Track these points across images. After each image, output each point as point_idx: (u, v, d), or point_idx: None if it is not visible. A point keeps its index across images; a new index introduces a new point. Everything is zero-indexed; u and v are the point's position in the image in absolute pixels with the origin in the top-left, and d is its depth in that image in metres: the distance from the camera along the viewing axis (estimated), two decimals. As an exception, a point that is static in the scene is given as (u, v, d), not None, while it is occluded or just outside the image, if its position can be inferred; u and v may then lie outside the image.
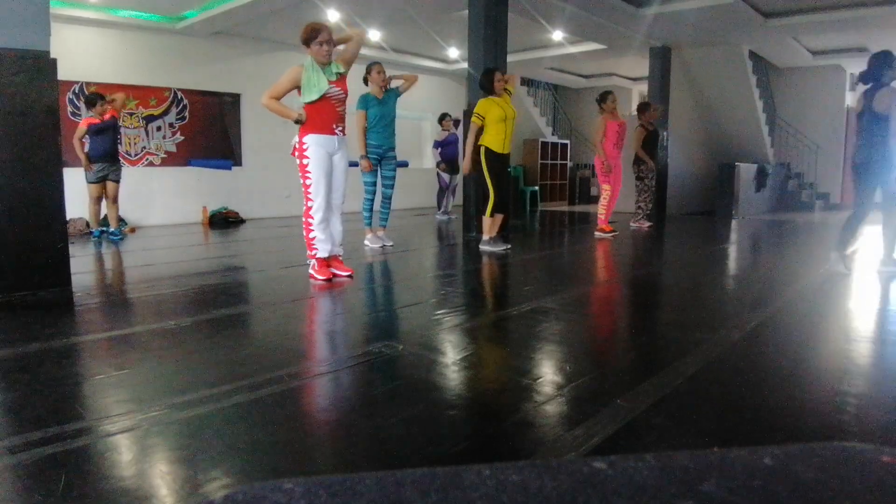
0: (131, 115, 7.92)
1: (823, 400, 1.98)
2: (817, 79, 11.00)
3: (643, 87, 11.55)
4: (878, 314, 3.35)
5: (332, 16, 7.50)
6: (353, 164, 4.85)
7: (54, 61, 3.67)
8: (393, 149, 5.72)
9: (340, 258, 4.23)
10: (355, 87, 5.16)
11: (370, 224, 5.86)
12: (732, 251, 6.09)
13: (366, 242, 5.83)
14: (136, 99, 7.98)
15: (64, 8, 7.00)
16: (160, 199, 8.26)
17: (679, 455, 0.36)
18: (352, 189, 4.27)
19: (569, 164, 12.90)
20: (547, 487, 0.33)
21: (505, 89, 5.40)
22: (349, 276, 4.15)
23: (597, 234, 6.81)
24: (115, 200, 6.52)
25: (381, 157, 5.65)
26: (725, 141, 10.60)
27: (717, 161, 9.91)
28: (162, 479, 1.48)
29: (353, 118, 5.29)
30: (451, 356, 2.52)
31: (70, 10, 7.10)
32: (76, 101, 7.37)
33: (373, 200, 5.77)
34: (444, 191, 9.20)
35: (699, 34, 8.50)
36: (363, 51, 9.81)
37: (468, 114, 6.19)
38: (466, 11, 6.53)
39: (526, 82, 12.54)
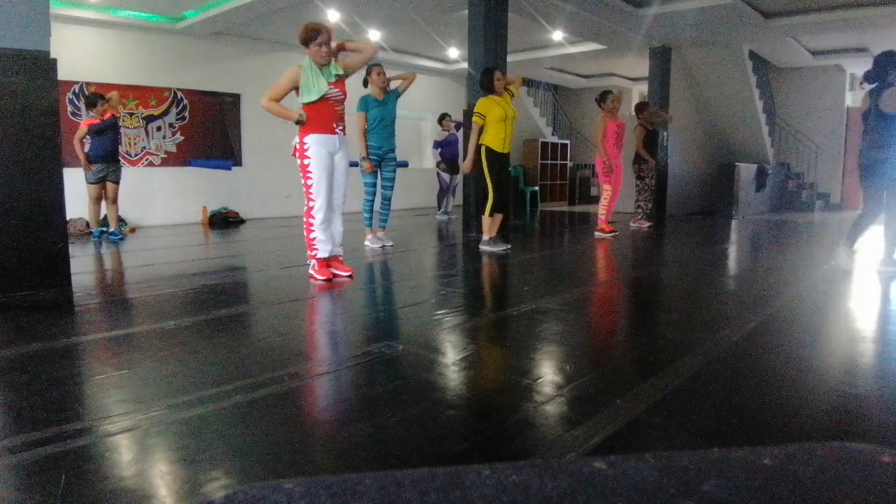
0: (131, 115, 7.92)
1: (823, 400, 1.98)
2: (817, 79, 11.00)
3: (643, 87, 11.55)
4: (879, 314, 3.35)
5: (332, 16, 7.50)
6: (354, 165, 4.85)
7: (54, 61, 3.67)
8: (393, 150, 5.72)
9: (340, 258, 4.23)
10: (356, 88, 5.17)
11: (370, 225, 5.86)
12: (732, 251, 6.09)
13: (366, 243, 5.83)
14: (136, 99, 7.99)
15: (64, 8, 7.00)
16: (160, 199, 8.26)
17: (679, 455, 0.36)
18: (352, 189, 4.27)
19: (569, 164, 12.90)
20: (547, 487, 0.33)
21: (507, 89, 5.40)
22: (349, 277, 4.15)
23: (597, 234, 6.82)
24: (114, 201, 6.52)
25: (381, 158, 5.65)
26: (725, 141, 10.60)
27: (717, 161, 9.91)
28: (162, 479, 1.48)
29: (353, 119, 5.29)
30: (451, 356, 2.52)
31: (70, 10, 7.10)
32: (76, 101, 7.37)
33: (373, 201, 5.77)
34: (444, 191, 9.20)
35: (699, 34, 8.50)
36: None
37: (468, 114, 6.19)
38: (466, 11, 6.53)
39: (526, 82, 12.54)
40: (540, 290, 3.93)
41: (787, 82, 11.28)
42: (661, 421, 1.79)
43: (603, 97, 6.83)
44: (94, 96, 6.39)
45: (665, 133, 9.38)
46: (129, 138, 7.98)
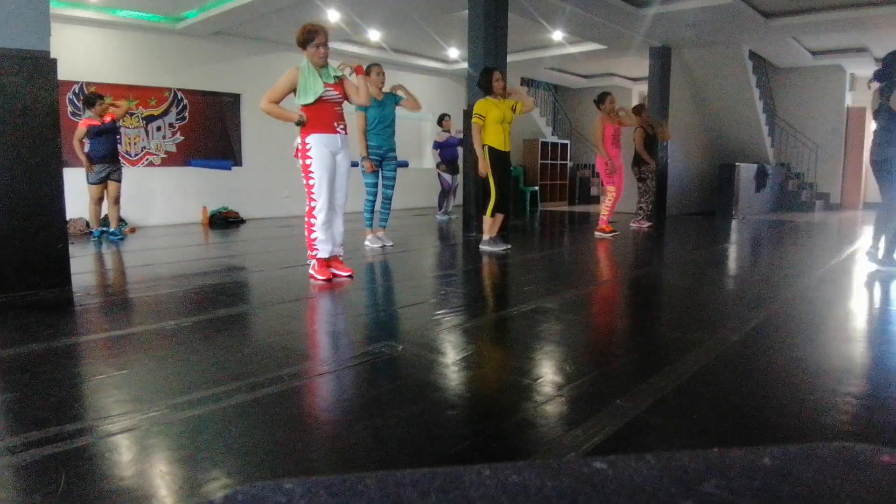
0: (131, 115, 7.92)
1: (823, 400, 1.98)
2: (817, 79, 10.99)
3: (643, 87, 11.54)
4: (878, 314, 3.35)
5: (332, 16, 7.50)
6: (355, 165, 4.85)
7: (54, 61, 3.67)
8: (393, 150, 5.72)
9: (341, 258, 4.23)
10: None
11: (371, 225, 5.86)
12: (732, 251, 6.09)
13: (366, 243, 5.83)
14: (136, 99, 7.99)
15: (64, 8, 7.00)
16: (160, 199, 8.26)
17: (679, 455, 0.36)
18: (352, 189, 4.27)
19: (569, 164, 12.89)
20: (547, 487, 0.33)
21: (514, 104, 5.37)
22: (349, 277, 4.15)
23: (597, 234, 6.82)
24: (116, 201, 6.51)
25: (381, 158, 5.65)
26: (725, 141, 10.60)
27: (717, 161, 9.91)
28: (162, 479, 1.48)
29: (353, 119, 5.29)
30: (451, 356, 2.52)
31: (70, 10, 7.10)
32: (76, 101, 7.37)
33: (374, 201, 5.77)
34: (445, 192, 9.20)
35: (699, 34, 8.50)
36: (363, 51, 9.79)
37: (468, 114, 6.18)
38: (466, 11, 6.53)
39: (526, 82, 12.54)
40: (540, 290, 3.93)
41: (787, 82, 11.27)
42: (661, 421, 1.79)
43: (601, 98, 6.84)
44: (93, 96, 6.39)
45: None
46: (129, 138, 7.98)
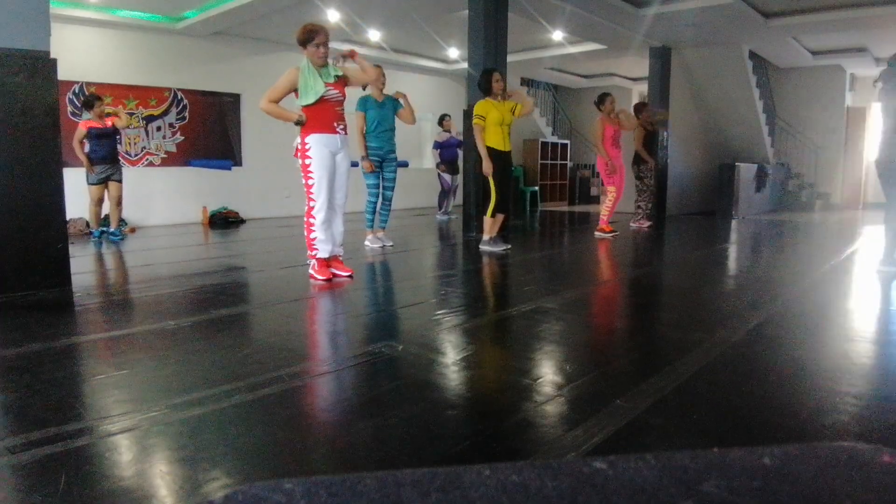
0: (131, 115, 7.92)
1: (823, 400, 1.98)
2: (817, 79, 11.00)
3: (643, 87, 11.54)
4: (878, 314, 3.35)
5: (332, 16, 7.50)
6: (355, 165, 4.85)
7: (54, 61, 3.67)
8: (393, 151, 5.72)
9: (340, 258, 4.23)
10: (356, 89, 5.16)
11: (372, 226, 5.86)
12: (732, 251, 6.09)
13: (366, 243, 5.83)
14: (136, 99, 7.99)
15: (64, 8, 7.00)
16: (160, 199, 8.26)
17: (679, 455, 0.36)
18: (352, 189, 4.27)
19: (569, 164, 12.89)
20: (547, 487, 0.33)
21: (514, 106, 5.36)
22: (349, 277, 4.15)
23: (597, 234, 6.82)
24: (119, 202, 6.51)
25: (382, 159, 5.65)
26: (725, 141, 10.60)
27: (717, 161, 9.91)
28: (162, 479, 1.48)
29: (352, 119, 5.29)
30: (451, 356, 2.52)
31: (70, 10, 7.10)
32: (76, 101, 7.37)
33: (376, 202, 5.77)
34: (445, 192, 9.20)
35: (699, 34, 8.50)
36: (363, 51, 9.82)
37: (468, 114, 6.18)
38: (466, 11, 6.53)
39: (526, 82, 12.54)
40: (540, 290, 3.93)
41: (787, 82, 11.27)
42: (661, 421, 1.79)
43: (601, 99, 6.84)
44: (91, 97, 6.39)
45: (665, 133, 9.38)
46: (129, 138, 7.98)
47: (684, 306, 3.62)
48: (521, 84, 12.14)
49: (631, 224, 7.80)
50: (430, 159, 10.89)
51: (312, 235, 3.98)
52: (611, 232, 6.78)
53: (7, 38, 3.48)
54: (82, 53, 7.39)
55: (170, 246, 6.35)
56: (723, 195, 9.24)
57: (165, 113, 8.29)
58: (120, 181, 6.47)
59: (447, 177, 9.06)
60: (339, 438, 1.75)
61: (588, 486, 0.33)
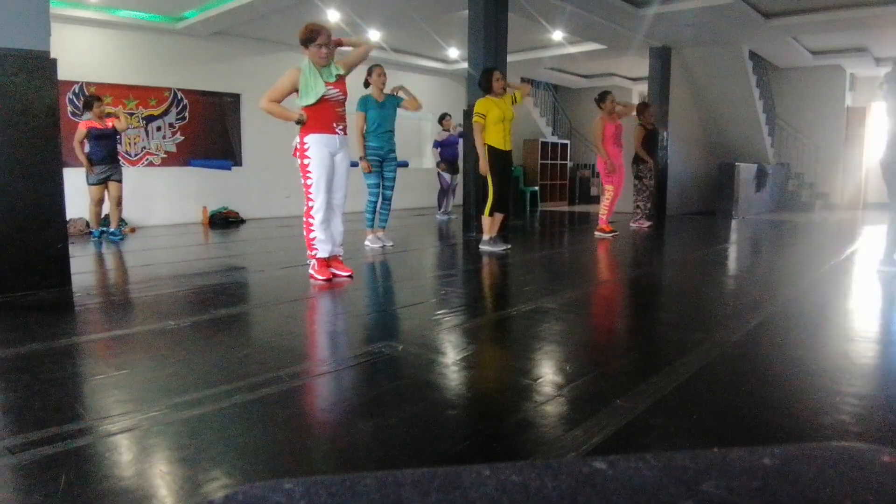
0: (131, 115, 7.92)
1: (823, 400, 1.98)
2: (817, 79, 10.99)
3: (643, 87, 11.54)
4: (878, 314, 3.35)
5: (332, 16, 7.50)
6: (354, 165, 4.85)
7: (54, 61, 3.67)
8: (393, 151, 5.73)
9: (340, 258, 4.23)
10: (356, 89, 5.16)
11: (372, 226, 5.86)
12: (732, 251, 6.09)
13: (366, 243, 5.84)
14: (136, 99, 7.99)
15: (64, 8, 7.00)
16: (160, 199, 8.26)
17: (679, 455, 0.36)
18: (352, 189, 4.27)
19: (569, 164, 12.90)
20: (547, 487, 0.33)
21: (507, 91, 5.39)
22: (349, 277, 4.15)
23: (597, 234, 6.82)
24: (119, 202, 6.51)
25: (382, 159, 5.65)
26: (725, 141, 10.60)
27: (717, 161, 9.91)
28: (162, 479, 1.48)
29: (352, 119, 5.30)
30: (451, 356, 2.52)
31: (70, 10, 7.10)
32: (76, 101, 7.37)
33: (376, 202, 5.77)
34: (444, 191, 9.21)
35: (699, 34, 8.50)
36: (363, 51, 9.72)
37: (468, 114, 6.18)
38: (466, 11, 6.53)
39: (526, 82, 12.53)
40: (540, 290, 3.93)
41: (787, 82, 11.27)
42: (661, 421, 1.79)
43: (602, 98, 6.83)
44: (91, 98, 6.39)
45: (665, 133, 9.38)
46: (130, 138, 7.98)
47: (684, 306, 3.63)
48: (528, 94, 12.14)
49: (631, 224, 7.80)
50: (430, 159, 10.89)
51: (312, 235, 3.98)
52: (611, 232, 6.78)
53: (7, 38, 3.48)
54: (82, 53, 7.39)
55: (170, 246, 6.35)
56: (723, 195, 9.24)
57: (165, 113, 8.29)
58: (120, 181, 6.47)
59: (446, 176, 9.07)
60: (339, 438, 1.75)
61: (588, 486, 0.33)
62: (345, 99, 3.97)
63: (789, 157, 11.42)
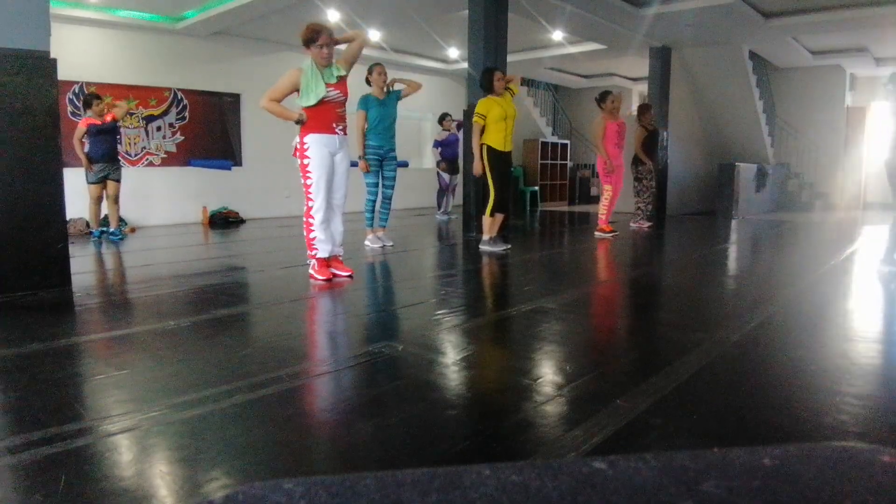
0: (131, 114, 7.92)
1: (823, 400, 1.98)
2: (817, 79, 10.99)
3: (643, 87, 11.55)
4: (878, 314, 3.35)
5: (332, 16, 7.50)
6: (354, 165, 4.85)
7: (54, 61, 3.67)
8: (394, 150, 5.72)
9: (340, 258, 4.23)
10: (357, 88, 5.16)
11: (371, 225, 5.86)
12: (732, 251, 6.09)
13: (366, 243, 5.83)
14: (136, 99, 7.99)
15: (64, 8, 7.00)
16: (160, 199, 8.26)
17: (679, 455, 0.36)
18: (352, 189, 4.27)
19: (569, 164, 12.90)
20: (547, 487, 0.33)
21: (507, 88, 5.40)
22: (349, 277, 4.15)
23: (597, 234, 6.82)
24: (116, 200, 6.52)
25: (382, 157, 5.65)
26: (725, 141, 10.60)
27: (717, 161, 9.91)
28: (162, 479, 1.48)
29: (353, 118, 5.30)
30: (451, 356, 2.52)
31: (70, 10, 7.10)
32: (76, 101, 7.37)
33: (375, 201, 5.77)
34: (443, 191, 9.21)
35: (699, 34, 8.50)
36: (364, 51, 9.80)
37: (468, 114, 6.18)
38: (466, 11, 6.53)
39: (526, 82, 12.54)
40: (540, 290, 3.93)
41: (787, 82, 11.27)
42: (661, 421, 1.79)
43: (602, 97, 6.83)
44: (91, 96, 6.40)
45: (665, 133, 9.38)
46: (129, 138, 7.99)
47: (684, 306, 3.63)
48: (521, 84, 12.13)
49: (631, 224, 7.80)
50: (430, 159, 10.90)
51: (312, 235, 3.98)
52: (611, 232, 6.78)
53: (7, 38, 3.48)
54: (82, 53, 7.39)
55: (170, 246, 6.35)
56: (723, 195, 9.24)
57: (165, 113, 8.29)
58: (118, 180, 6.47)
59: (446, 176, 9.07)
60: (339, 438, 1.75)
61: (588, 486, 0.33)
62: (345, 100, 3.97)
63: (789, 157, 11.42)
